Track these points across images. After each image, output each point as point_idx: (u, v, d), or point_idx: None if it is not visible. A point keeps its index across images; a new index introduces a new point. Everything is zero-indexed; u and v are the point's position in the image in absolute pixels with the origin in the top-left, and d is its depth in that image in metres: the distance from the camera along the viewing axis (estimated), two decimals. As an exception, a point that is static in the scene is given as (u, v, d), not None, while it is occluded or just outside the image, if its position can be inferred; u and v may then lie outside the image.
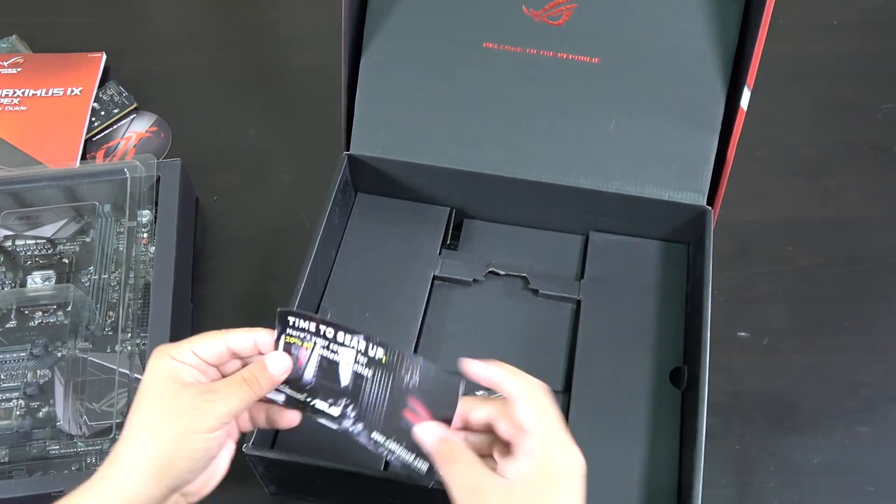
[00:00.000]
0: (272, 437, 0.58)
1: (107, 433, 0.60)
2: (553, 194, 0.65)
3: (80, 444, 0.60)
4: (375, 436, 0.47)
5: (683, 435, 0.58)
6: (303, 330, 0.47)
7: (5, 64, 0.84)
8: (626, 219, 0.66)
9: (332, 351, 0.47)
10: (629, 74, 0.64)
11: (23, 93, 0.82)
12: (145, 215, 0.70)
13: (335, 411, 0.48)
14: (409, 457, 0.47)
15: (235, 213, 0.76)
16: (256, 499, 0.60)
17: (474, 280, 0.66)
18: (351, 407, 0.47)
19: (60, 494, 0.44)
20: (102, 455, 0.59)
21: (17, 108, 0.81)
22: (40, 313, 0.66)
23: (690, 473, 0.53)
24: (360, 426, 0.47)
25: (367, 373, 0.47)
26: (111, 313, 0.66)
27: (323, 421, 0.48)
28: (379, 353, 0.47)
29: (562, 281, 0.66)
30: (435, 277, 0.66)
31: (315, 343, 0.47)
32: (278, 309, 0.47)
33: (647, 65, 0.64)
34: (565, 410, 0.59)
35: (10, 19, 0.91)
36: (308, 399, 0.48)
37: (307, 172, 0.78)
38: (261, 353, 0.48)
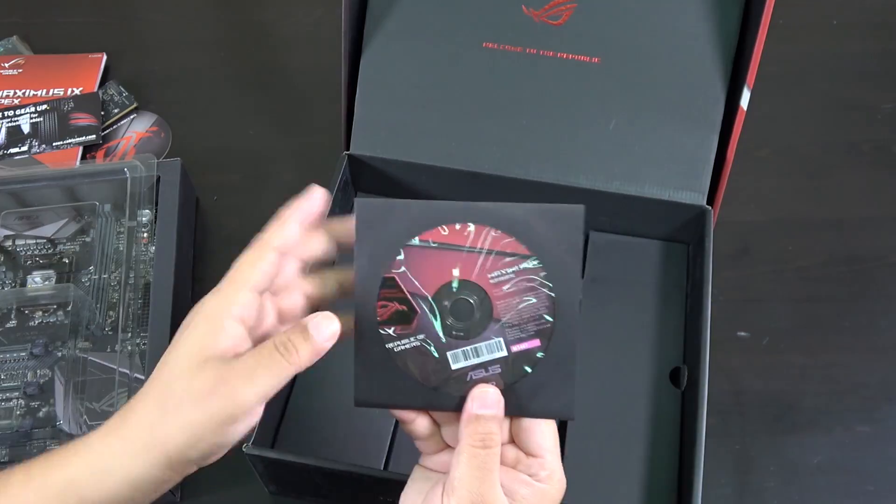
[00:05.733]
0: (272, 436, 0.58)
1: (107, 433, 0.60)
2: (553, 194, 0.65)
3: (80, 443, 0.60)
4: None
5: (683, 435, 0.58)
6: None
7: (6, 65, 0.84)
8: (626, 218, 0.66)
9: None
10: (629, 74, 0.64)
11: (24, 93, 0.82)
12: (145, 215, 0.70)
13: None
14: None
15: (235, 213, 0.76)
16: (256, 498, 0.60)
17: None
18: None
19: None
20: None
21: (17, 108, 0.81)
22: (40, 313, 0.66)
23: (690, 473, 0.53)
24: None
25: None
26: (111, 313, 0.66)
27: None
28: None
29: (561, 280, 0.66)
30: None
31: None
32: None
33: (646, 65, 0.64)
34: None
35: (10, 20, 0.91)
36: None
37: (307, 172, 0.77)
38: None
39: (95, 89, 0.83)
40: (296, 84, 0.85)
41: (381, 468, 0.56)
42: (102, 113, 0.81)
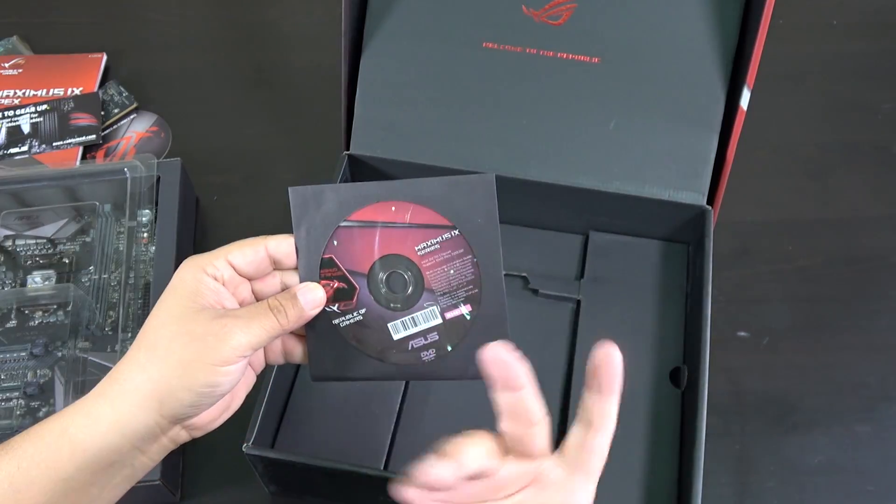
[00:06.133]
0: (272, 436, 0.58)
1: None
2: (553, 194, 0.65)
3: (80, 443, 0.60)
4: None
5: (683, 435, 0.58)
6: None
7: (6, 65, 0.84)
8: (626, 218, 0.66)
9: None
10: (629, 74, 0.64)
11: (24, 93, 0.82)
12: (145, 215, 0.70)
13: None
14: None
15: (235, 213, 0.76)
16: (256, 498, 0.60)
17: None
18: None
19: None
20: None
21: (17, 108, 0.81)
22: (40, 313, 0.66)
23: (690, 473, 0.53)
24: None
25: None
26: (111, 313, 0.66)
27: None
28: None
29: (562, 281, 0.66)
30: (435, 277, 0.66)
31: None
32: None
33: (646, 64, 0.64)
34: (565, 409, 0.59)
35: (10, 20, 0.91)
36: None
37: (307, 172, 0.78)
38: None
39: (95, 89, 0.83)
40: (296, 84, 0.85)
41: (381, 468, 0.56)
42: (102, 113, 0.81)
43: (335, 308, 0.46)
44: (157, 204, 0.70)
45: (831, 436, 0.63)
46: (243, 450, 0.53)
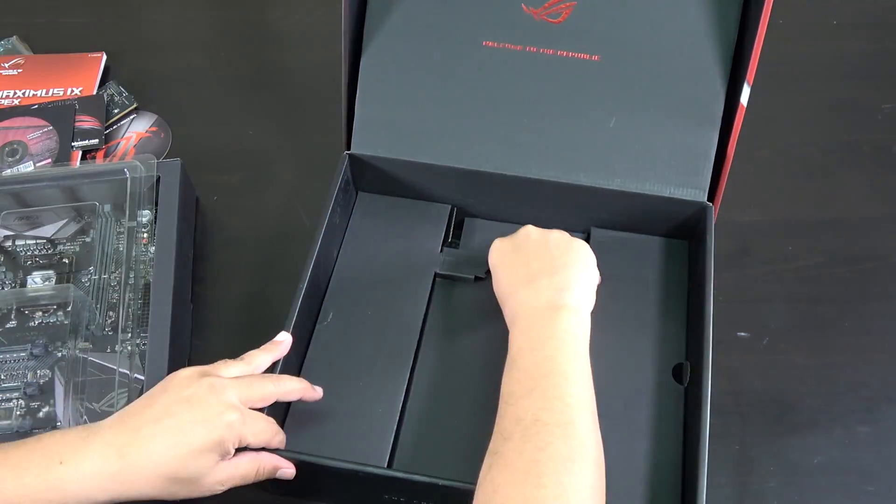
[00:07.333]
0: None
1: (107, 433, 0.60)
2: (554, 192, 0.65)
3: (80, 443, 0.60)
4: None
5: (686, 431, 0.58)
6: None
7: (6, 65, 0.84)
8: (627, 216, 0.67)
9: None
10: (629, 72, 0.64)
11: (24, 93, 0.82)
12: (145, 215, 0.70)
13: None
14: None
15: (235, 213, 0.76)
16: (257, 498, 0.60)
17: (476, 277, 0.66)
18: None
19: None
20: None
21: (17, 108, 0.81)
22: (40, 313, 0.66)
23: (694, 469, 0.53)
24: None
25: None
26: (111, 313, 0.66)
27: None
28: None
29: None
30: (436, 275, 0.66)
31: None
32: None
33: (646, 62, 0.64)
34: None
35: (10, 20, 0.91)
36: None
37: (307, 172, 0.78)
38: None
39: (95, 89, 0.83)
40: (296, 84, 0.85)
41: (385, 466, 0.56)
42: (102, 113, 0.81)
43: None
44: (157, 204, 0.70)
45: (831, 436, 0.63)
46: (246, 450, 0.53)
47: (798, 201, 0.75)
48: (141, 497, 0.48)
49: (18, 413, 0.62)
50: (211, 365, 0.53)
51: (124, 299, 0.66)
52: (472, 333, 0.64)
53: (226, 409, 0.49)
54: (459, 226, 0.70)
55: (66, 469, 0.45)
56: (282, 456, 0.53)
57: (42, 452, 0.46)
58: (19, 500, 0.44)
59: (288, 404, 0.59)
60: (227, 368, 0.53)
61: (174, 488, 0.48)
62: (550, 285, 0.56)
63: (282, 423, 0.59)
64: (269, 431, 0.52)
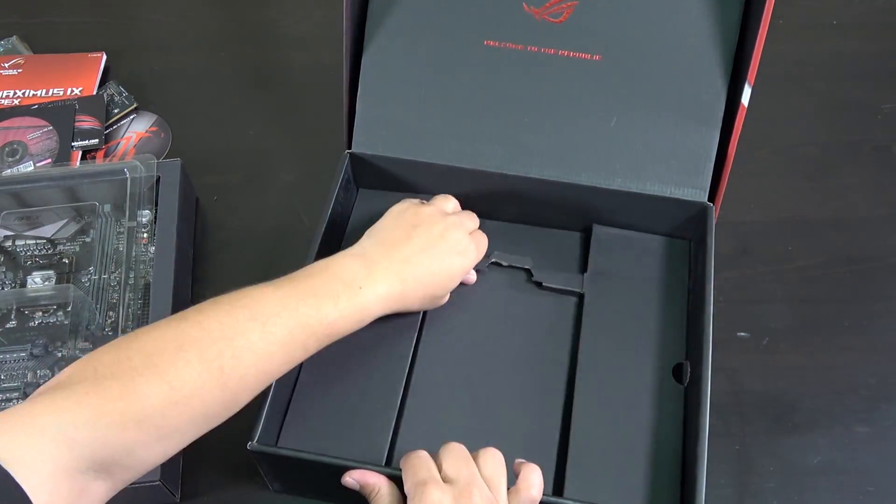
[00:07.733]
0: (276, 433, 0.58)
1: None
2: (555, 191, 0.65)
3: (80, 443, 0.60)
4: None
5: (686, 431, 0.58)
6: None
7: (6, 65, 0.84)
8: (628, 215, 0.66)
9: None
10: (630, 71, 0.64)
11: (23, 93, 0.82)
12: (145, 215, 0.70)
13: None
14: None
15: (235, 213, 0.76)
16: (259, 496, 0.60)
17: (477, 272, 0.66)
18: None
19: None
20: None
21: (17, 108, 0.81)
22: (40, 313, 0.66)
23: (694, 468, 0.53)
24: None
25: None
26: (111, 313, 0.66)
27: None
28: None
29: (565, 274, 0.66)
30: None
31: None
32: None
33: (647, 61, 0.64)
34: (569, 404, 0.59)
35: (10, 20, 0.91)
36: None
37: (307, 172, 0.78)
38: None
39: (95, 89, 0.83)
40: (296, 84, 0.85)
41: (383, 464, 0.56)
42: (102, 113, 0.81)
43: None
44: (156, 204, 0.70)
45: (831, 436, 0.63)
46: (249, 447, 0.53)
47: (798, 201, 0.75)
48: (405, 310, 0.59)
49: (18, 413, 0.62)
50: (433, 201, 0.64)
51: (124, 299, 0.66)
52: (472, 330, 0.64)
53: (468, 242, 0.61)
54: (460, 226, 0.70)
55: (365, 293, 0.55)
56: (281, 454, 0.53)
57: (342, 283, 0.55)
58: (335, 321, 0.53)
59: (288, 402, 0.59)
60: (446, 203, 0.64)
61: (427, 304, 0.61)
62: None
63: (282, 420, 0.59)
64: (484, 244, 0.63)
